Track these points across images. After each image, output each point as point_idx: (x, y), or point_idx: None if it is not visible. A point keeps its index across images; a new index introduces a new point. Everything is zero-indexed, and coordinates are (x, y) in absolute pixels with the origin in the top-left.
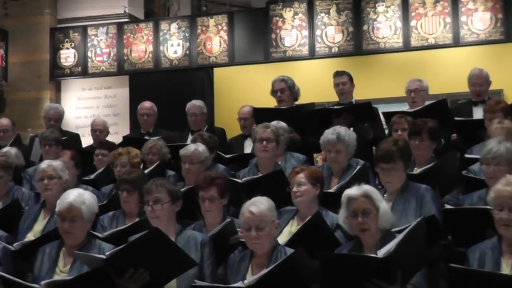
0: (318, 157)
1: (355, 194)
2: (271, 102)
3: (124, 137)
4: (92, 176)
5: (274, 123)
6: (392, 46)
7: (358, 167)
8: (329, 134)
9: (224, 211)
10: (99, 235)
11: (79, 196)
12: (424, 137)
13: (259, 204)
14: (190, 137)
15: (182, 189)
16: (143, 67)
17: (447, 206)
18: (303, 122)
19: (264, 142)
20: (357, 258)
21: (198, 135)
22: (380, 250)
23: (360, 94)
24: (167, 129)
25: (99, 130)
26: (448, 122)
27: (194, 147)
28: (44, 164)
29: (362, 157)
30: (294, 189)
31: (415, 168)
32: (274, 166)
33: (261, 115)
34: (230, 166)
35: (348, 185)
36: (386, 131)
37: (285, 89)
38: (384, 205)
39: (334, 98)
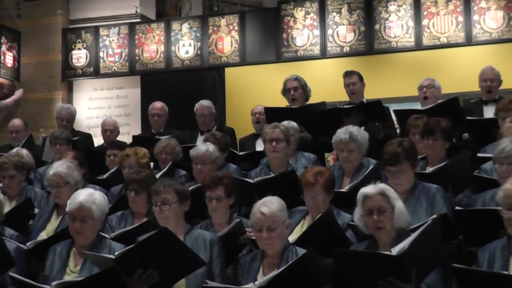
0: (330, 157)
1: (371, 192)
2: (282, 102)
3: (134, 137)
4: (104, 176)
5: (285, 122)
6: (404, 46)
7: (371, 166)
8: (341, 133)
9: (231, 210)
10: (106, 236)
11: (90, 196)
12: (437, 137)
13: (270, 205)
14: (199, 137)
15: (190, 188)
16: (155, 67)
17: (458, 208)
18: (314, 121)
19: (274, 143)
20: (371, 255)
21: (211, 135)
22: (394, 248)
23: (371, 93)
24: (178, 129)
25: (110, 130)
26: (460, 121)
27: (205, 148)
28: (51, 171)
29: (373, 156)
30: (310, 202)
31: (428, 168)
32: (286, 165)
33: (272, 114)
34: (243, 165)
35: (361, 184)
36: (398, 130)
37: (298, 87)
38: (400, 204)
39: (346, 97)
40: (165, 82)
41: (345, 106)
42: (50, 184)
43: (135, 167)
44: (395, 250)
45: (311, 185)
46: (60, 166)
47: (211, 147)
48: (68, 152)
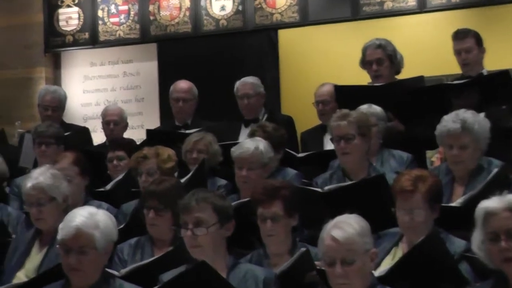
0: (434, 156)
1: (497, 207)
2: (360, 78)
3: (149, 132)
4: (107, 187)
5: (364, 107)
6: None
7: (496, 170)
8: (449, 121)
9: (293, 235)
10: (116, 273)
11: (90, 218)
12: None
13: (345, 227)
14: (243, 130)
15: (234, 204)
16: (177, 31)
17: None
18: (408, 105)
19: (342, 142)
20: None
21: (259, 127)
22: None
23: (494, 63)
24: (211, 119)
25: (114, 122)
26: None
27: (253, 145)
28: (29, 183)
29: (498, 156)
30: (406, 219)
31: None
32: (368, 169)
33: (345, 96)
34: (305, 169)
35: (481, 196)
36: None
37: (383, 58)
38: None
39: (455, 69)
40: (192, 53)
41: (456, 82)
42: (28, 202)
43: (155, 173)
44: None
45: (408, 195)
46: (42, 175)
47: (261, 144)
48: (64, 154)
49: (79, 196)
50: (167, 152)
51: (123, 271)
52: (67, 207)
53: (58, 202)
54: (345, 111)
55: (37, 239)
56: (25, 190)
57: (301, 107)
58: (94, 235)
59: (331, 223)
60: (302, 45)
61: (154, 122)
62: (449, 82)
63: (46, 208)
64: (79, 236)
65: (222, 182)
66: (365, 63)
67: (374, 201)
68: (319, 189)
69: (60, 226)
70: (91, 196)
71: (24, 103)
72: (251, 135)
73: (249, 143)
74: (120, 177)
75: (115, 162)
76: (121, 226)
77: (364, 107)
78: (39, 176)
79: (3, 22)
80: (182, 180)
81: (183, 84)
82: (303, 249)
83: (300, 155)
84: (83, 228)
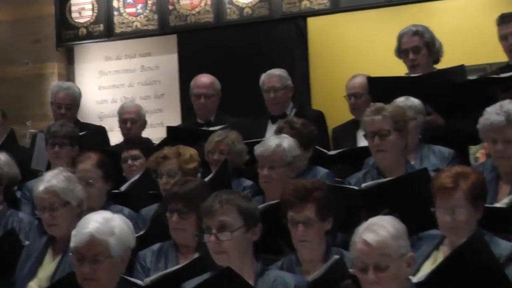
0: (479, 152)
1: None
2: (397, 69)
3: (169, 129)
4: (122, 189)
5: (400, 100)
6: None
7: None
8: (492, 114)
9: (327, 239)
10: (139, 282)
11: (105, 224)
12: None
13: (378, 229)
14: (270, 126)
15: (261, 207)
16: (198, 20)
17: None
18: (448, 97)
19: (376, 138)
20: None
21: (286, 123)
22: None
23: None
24: (236, 116)
25: (131, 120)
26: None
27: (275, 142)
28: (41, 186)
29: None
30: (446, 219)
31: None
32: (405, 167)
33: (379, 89)
34: (336, 168)
35: None
36: None
37: (420, 46)
38: None
39: (500, 57)
40: (214, 45)
41: (503, 75)
42: (40, 206)
43: (177, 174)
44: None
45: (448, 192)
46: (55, 178)
47: (286, 141)
48: (88, 154)
49: (99, 201)
50: (189, 151)
51: (147, 280)
52: (82, 212)
53: (72, 206)
54: (379, 104)
55: (50, 246)
56: (37, 194)
57: (332, 101)
58: (109, 242)
59: (364, 225)
60: (333, 34)
61: (174, 120)
62: (492, 76)
63: (59, 213)
64: (93, 244)
65: (248, 183)
66: (400, 51)
67: (414, 200)
68: (355, 187)
69: (73, 232)
70: (112, 201)
71: (36, 101)
72: (278, 132)
73: (272, 140)
74: (135, 177)
75: (129, 161)
76: (142, 232)
77: (400, 100)
78: (52, 179)
79: (12, 14)
80: (205, 179)
81: (204, 79)
82: (337, 256)
83: (332, 152)
84: (96, 235)
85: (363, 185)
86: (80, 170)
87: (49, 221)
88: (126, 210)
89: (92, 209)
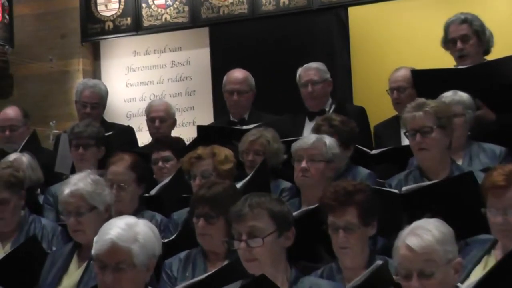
0: None
1: None
2: (444, 61)
3: (200, 128)
4: (152, 192)
5: (447, 95)
6: None
7: None
8: None
9: (370, 246)
10: None
11: (128, 230)
12: None
13: (423, 234)
14: (308, 124)
15: (299, 212)
16: (231, 12)
17: None
18: (499, 90)
19: (418, 136)
20: None
21: (325, 120)
22: None
23: None
24: (272, 113)
25: (159, 119)
26: None
27: (314, 137)
28: (66, 190)
29: None
30: (498, 221)
31: None
32: (450, 168)
33: (424, 82)
34: (378, 168)
35: None
36: None
37: (469, 35)
38: None
39: None
40: (249, 37)
41: None
42: (65, 211)
43: (211, 175)
44: None
45: (501, 191)
46: (81, 181)
47: (327, 138)
48: (122, 156)
49: (130, 206)
50: (224, 152)
51: None
52: (109, 218)
53: (100, 211)
54: (421, 100)
55: (75, 253)
56: (62, 197)
57: (375, 97)
58: (132, 250)
59: (407, 229)
60: (375, 24)
61: (207, 118)
62: None
63: (85, 218)
64: (115, 251)
65: (287, 184)
66: (448, 41)
67: (460, 203)
68: (395, 190)
69: (95, 239)
70: (144, 206)
71: (60, 100)
72: (316, 129)
73: (311, 136)
74: (166, 180)
75: (160, 164)
76: (171, 238)
77: (448, 94)
78: (78, 182)
79: (35, 8)
80: (239, 185)
81: (237, 74)
82: (379, 262)
83: (374, 151)
84: (118, 242)
85: (404, 188)
86: (111, 173)
87: (74, 227)
88: (159, 216)
89: (123, 215)
